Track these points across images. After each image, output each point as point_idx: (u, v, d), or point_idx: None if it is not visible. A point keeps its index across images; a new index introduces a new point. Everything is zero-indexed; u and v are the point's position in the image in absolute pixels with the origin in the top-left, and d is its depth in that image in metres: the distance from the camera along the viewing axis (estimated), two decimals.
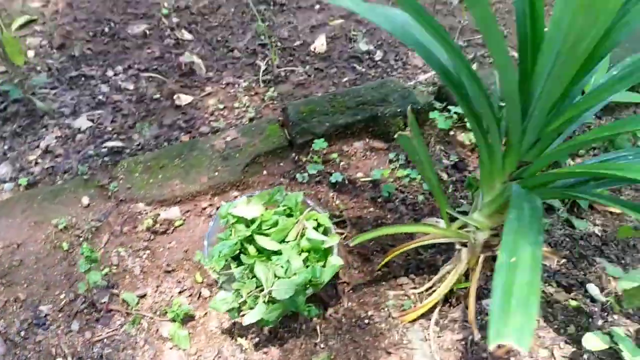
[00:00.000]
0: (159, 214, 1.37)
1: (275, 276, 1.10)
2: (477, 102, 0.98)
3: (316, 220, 1.23)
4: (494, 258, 1.30)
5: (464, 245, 1.21)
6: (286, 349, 1.16)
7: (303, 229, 1.20)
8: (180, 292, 1.25)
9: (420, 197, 1.44)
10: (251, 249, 1.18)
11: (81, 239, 1.32)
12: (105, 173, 1.48)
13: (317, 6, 2.14)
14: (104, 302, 1.21)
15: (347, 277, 1.29)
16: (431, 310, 1.23)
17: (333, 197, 1.45)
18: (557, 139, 1.06)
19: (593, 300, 1.26)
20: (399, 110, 1.57)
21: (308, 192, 1.45)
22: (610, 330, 1.18)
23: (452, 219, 1.26)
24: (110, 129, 1.64)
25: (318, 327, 1.20)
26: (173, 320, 1.18)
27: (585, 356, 1.18)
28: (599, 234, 1.40)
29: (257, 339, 1.17)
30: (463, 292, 1.23)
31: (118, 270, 1.28)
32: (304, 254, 1.17)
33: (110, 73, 1.82)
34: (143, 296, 1.24)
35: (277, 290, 1.06)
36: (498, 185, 1.08)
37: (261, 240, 1.16)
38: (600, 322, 1.24)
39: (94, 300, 1.21)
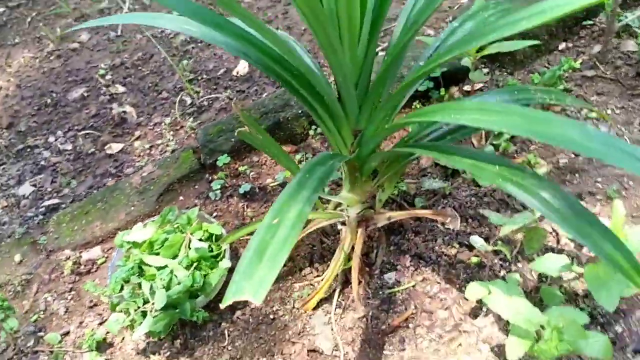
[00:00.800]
0: (81, 256, 1.46)
1: (162, 288, 1.16)
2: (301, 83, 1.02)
3: (207, 230, 1.28)
4: (387, 231, 1.31)
5: (344, 224, 1.23)
6: (196, 357, 1.21)
7: (190, 241, 1.25)
8: (100, 324, 1.32)
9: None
10: (148, 270, 1.24)
11: (11, 293, 1.41)
12: (39, 229, 1.58)
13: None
14: (29, 346, 1.30)
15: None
16: (332, 294, 1.25)
17: (244, 207, 1.49)
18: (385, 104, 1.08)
19: (496, 253, 1.25)
20: (300, 111, 1.62)
21: (221, 207, 1.51)
22: (506, 277, 1.16)
23: (328, 202, 1.28)
24: (50, 189, 1.76)
25: (226, 331, 1.24)
26: (90, 349, 1.24)
27: (484, 309, 1.17)
28: None
29: (168, 353, 1.22)
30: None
31: (45, 315, 1.36)
32: (195, 264, 1.22)
33: (51, 139, 1.95)
34: (67, 334, 1.31)
35: (157, 302, 1.11)
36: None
37: (150, 259, 1.22)
38: (502, 273, 1.23)
39: (21, 347, 1.30)
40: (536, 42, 1.47)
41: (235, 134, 1.06)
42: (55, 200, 1.70)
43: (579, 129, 0.70)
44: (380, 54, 1.88)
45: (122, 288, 1.21)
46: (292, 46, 1.14)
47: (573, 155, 1.44)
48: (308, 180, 0.81)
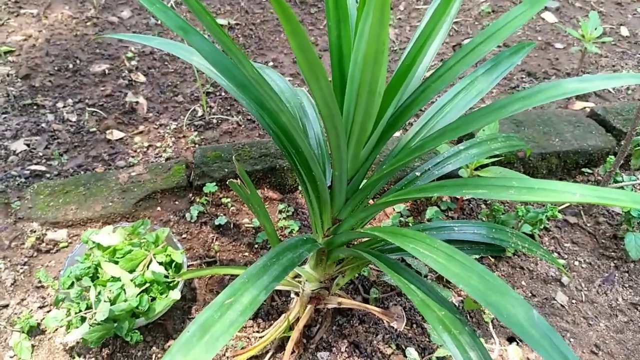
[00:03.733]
0: (46, 234, 1.49)
1: (108, 300, 1.19)
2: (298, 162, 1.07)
3: (169, 255, 1.32)
4: (336, 310, 1.35)
5: (297, 294, 1.27)
6: None
7: (150, 261, 1.29)
8: (40, 307, 1.35)
9: None
10: (103, 275, 1.27)
11: None
12: (16, 192, 1.61)
13: (271, 63, 2.29)
14: None
15: (198, 313, 1.36)
16: (264, 354, 1.28)
17: (213, 239, 1.53)
18: (366, 200, 1.13)
19: None
20: None
21: (192, 230, 1.55)
22: None
23: None
24: (41, 154, 1.79)
25: (154, 356, 1.27)
26: (22, 331, 1.27)
27: None
28: (456, 304, 1.43)
29: (93, 359, 1.25)
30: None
31: None
32: (148, 284, 1.26)
33: (60, 104, 1.99)
34: (5, 306, 1.34)
35: (99, 313, 1.15)
36: (320, 239, 1.16)
37: (107, 267, 1.26)
38: None
39: None
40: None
41: (227, 183, 1.10)
42: (42, 168, 1.73)
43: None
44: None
45: (72, 284, 1.24)
46: (305, 128, 1.19)
47: (530, 294, 1.49)
48: (272, 265, 0.86)
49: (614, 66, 2.39)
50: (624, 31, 2.63)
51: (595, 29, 2.10)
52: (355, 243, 1.21)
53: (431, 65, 1.04)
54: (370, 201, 1.50)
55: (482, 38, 0.96)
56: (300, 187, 1.69)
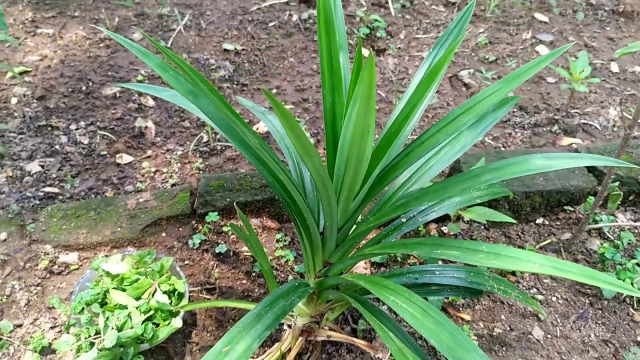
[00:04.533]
0: (58, 257, 1.60)
1: (116, 327, 1.30)
2: (293, 207, 1.17)
3: (172, 284, 1.43)
4: (327, 342, 1.46)
5: (289, 326, 1.38)
6: None
7: (155, 290, 1.40)
8: (52, 328, 1.46)
9: (290, 277, 1.62)
10: (111, 301, 1.38)
11: None
12: (31, 214, 1.72)
13: (275, 90, 2.40)
14: None
15: (197, 338, 1.47)
16: None
17: (213, 266, 1.64)
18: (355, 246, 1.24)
19: None
20: None
21: (194, 257, 1.66)
22: None
23: None
24: (54, 175, 1.90)
25: None
26: (34, 350, 1.38)
27: None
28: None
29: None
30: None
31: (7, 301, 1.50)
32: (152, 312, 1.37)
33: (73, 126, 2.10)
34: (19, 326, 1.45)
35: (107, 340, 1.26)
36: (312, 279, 1.26)
37: (115, 294, 1.36)
38: None
39: None
40: (513, 220, 1.65)
41: (228, 225, 1.21)
42: (55, 190, 1.84)
43: None
44: None
45: (82, 310, 1.35)
46: (302, 173, 1.30)
47: (508, 328, 1.60)
48: (266, 314, 0.97)
49: (602, 102, 2.50)
50: (614, 67, 2.74)
51: (582, 70, 2.20)
52: (344, 285, 1.32)
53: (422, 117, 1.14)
54: (363, 242, 1.61)
55: (461, 110, 1.06)
56: None
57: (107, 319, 1.32)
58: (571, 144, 2.24)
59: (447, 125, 1.07)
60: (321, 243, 1.17)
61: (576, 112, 2.42)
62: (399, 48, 2.76)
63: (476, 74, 2.60)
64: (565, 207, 1.94)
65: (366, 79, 0.75)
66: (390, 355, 1.47)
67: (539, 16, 3.10)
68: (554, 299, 1.69)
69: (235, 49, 2.61)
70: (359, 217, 1.28)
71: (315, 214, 1.22)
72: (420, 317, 0.91)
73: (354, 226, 1.19)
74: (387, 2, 3.09)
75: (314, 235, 1.15)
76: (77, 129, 2.10)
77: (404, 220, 1.32)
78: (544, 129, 2.32)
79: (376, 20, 2.85)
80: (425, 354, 1.05)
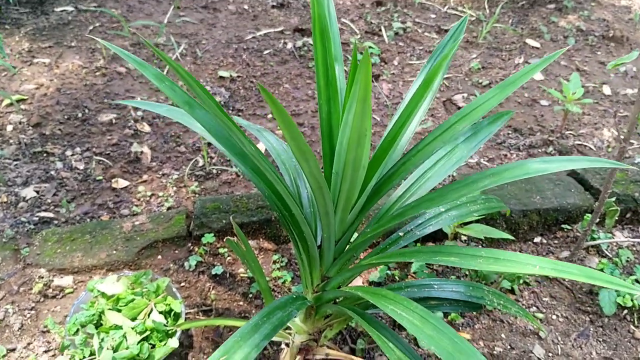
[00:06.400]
0: (53, 280, 1.58)
1: (111, 347, 1.28)
2: (288, 223, 1.17)
3: (169, 305, 1.41)
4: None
5: (287, 344, 1.36)
6: None
7: (151, 310, 1.38)
8: (45, 352, 1.43)
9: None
10: (107, 322, 1.36)
11: None
12: (26, 239, 1.71)
13: (269, 115, 2.41)
14: None
15: (194, 359, 1.44)
16: None
17: (210, 288, 1.62)
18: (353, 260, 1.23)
19: None
20: None
21: (190, 279, 1.64)
22: None
23: None
24: (49, 201, 1.89)
25: None
26: None
27: None
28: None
29: None
30: None
31: (0, 325, 1.47)
32: (148, 332, 1.34)
33: (68, 152, 2.10)
34: (13, 350, 1.42)
35: None
36: (309, 294, 1.25)
37: (110, 315, 1.34)
38: None
39: None
40: (511, 237, 1.64)
41: (224, 246, 1.20)
42: (50, 215, 1.83)
43: None
44: None
45: (77, 331, 1.32)
46: (299, 188, 1.30)
47: (509, 346, 1.58)
48: (264, 324, 0.95)
49: (595, 124, 2.52)
50: (606, 90, 2.77)
51: (576, 91, 2.23)
52: (342, 299, 1.30)
53: (421, 121, 1.15)
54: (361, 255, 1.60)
55: (457, 118, 1.07)
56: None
57: (102, 339, 1.29)
58: None
59: (443, 133, 1.07)
60: (319, 256, 1.16)
61: (570, 134, 2.44)
62: (393, 74, 2.79)
63: (470, 97, 2.63)
64: (563, 226, 1.94)
65: (362, 80, 0.75)
66: None
67: (531, 42, 3.15)
68: (554, 317, 1.67)
69: (231, 76, 2.63)
70: (356, 233, 1.28)
71: (312, 227, 1.21)
72: (420, 324, 0.89)
73: (352, 238, 1.18)
74: (380, 30, 3.14)
75: (311, 248, 1.14)
76: (72, 154, 2.10)
77: (401, 234, 1.32)
78: (539, 150, 2.34)
79: (370, 47, 2.89)
80: None
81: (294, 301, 1.07)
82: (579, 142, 2.39)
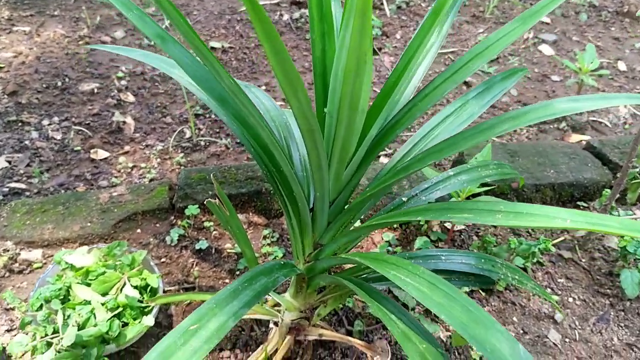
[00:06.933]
0: (20, 254, 1.43)
1: (77, 324, 1.13)
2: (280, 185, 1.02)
3: (145, 279, 1.26)
4: (317, 342, 1.29)
5: (276, 324, 1.21)
6: None
7: (124, 284, 1.23)
8: (7, 331, 1.28)
9: None
10: (74, 297, 1.21)
11: None
12: None
13: (264, 87, 2.26)
14: None
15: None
16: None
17: (193, 264, 1.47)
18: (349, 225, 1.08)
19: None
20: None
21: (172, 254, 1.49)
22: None
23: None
24: (22, 171, 1.74)
25: None
26: None
27: None
28: (444, 339, 1.37)
29: None
30: None
31: None
32: (120, 309, 1.20)
33: (45, 122, 1.95)
34: None
35: (65, 338, 1.08)
36: (301, 264, 1.10)
37: (78, 289, 1.19)
38: None
39: None
40: None
41: (205, 202, 1.05)
42: (22, 186, 1.68)
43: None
44: (383, 160, 1.90)
45: (41, 307, 1.18)
46: (290, 149, 1.15)
47: (521, 331, 1.43)
48: (244, 290, 0.80)
49: None
50: (622, 66, 2.62)
51: (592, 62, 2.08)
52: (338, 271, 1.16)
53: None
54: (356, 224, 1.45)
55: (470, 56, 0.92)
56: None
57: (68, 316, 1.15)
58: (580, 140, 2.11)
59: (455, 73, 0.93)
60: (311, 220, 1.01)
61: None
62: (395, 47, 2.64)
63: (477, 72, 2.48)
64: (579, 202, 1.79)
65: None
66: (391, 359, 1.30)
67: None
68: (570, 299, 1.53)
69: (223, 46, 2.48)
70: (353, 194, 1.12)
71: (304, 188, 1.06)
72: (428, 291, 0.75)
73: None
74: (382, 4, 2.98)
75: (302, 211, 0.99)
76: (49, 124, 1.95)
77: (404, 199, 1.17)
78: (551, 127, 2.19)
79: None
80: (434, 338, 0.88)
81: (282, 267, 0.92)
82: (594, 119, 2.24)
